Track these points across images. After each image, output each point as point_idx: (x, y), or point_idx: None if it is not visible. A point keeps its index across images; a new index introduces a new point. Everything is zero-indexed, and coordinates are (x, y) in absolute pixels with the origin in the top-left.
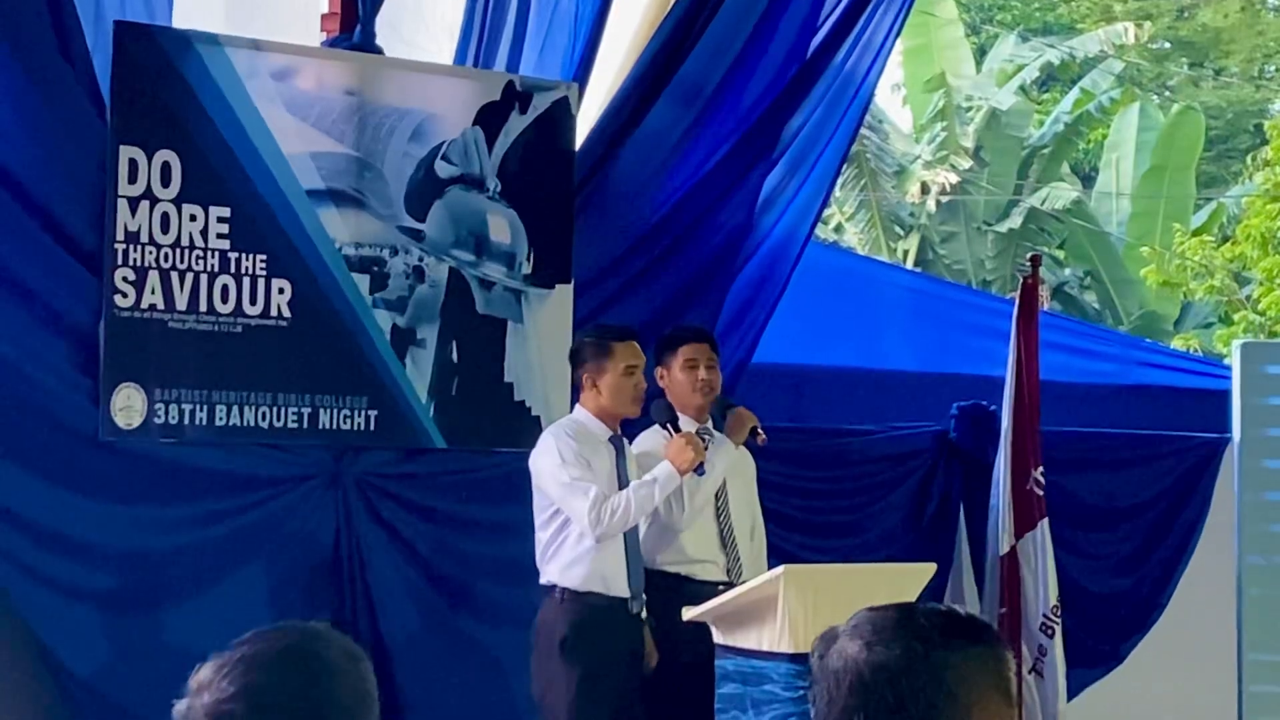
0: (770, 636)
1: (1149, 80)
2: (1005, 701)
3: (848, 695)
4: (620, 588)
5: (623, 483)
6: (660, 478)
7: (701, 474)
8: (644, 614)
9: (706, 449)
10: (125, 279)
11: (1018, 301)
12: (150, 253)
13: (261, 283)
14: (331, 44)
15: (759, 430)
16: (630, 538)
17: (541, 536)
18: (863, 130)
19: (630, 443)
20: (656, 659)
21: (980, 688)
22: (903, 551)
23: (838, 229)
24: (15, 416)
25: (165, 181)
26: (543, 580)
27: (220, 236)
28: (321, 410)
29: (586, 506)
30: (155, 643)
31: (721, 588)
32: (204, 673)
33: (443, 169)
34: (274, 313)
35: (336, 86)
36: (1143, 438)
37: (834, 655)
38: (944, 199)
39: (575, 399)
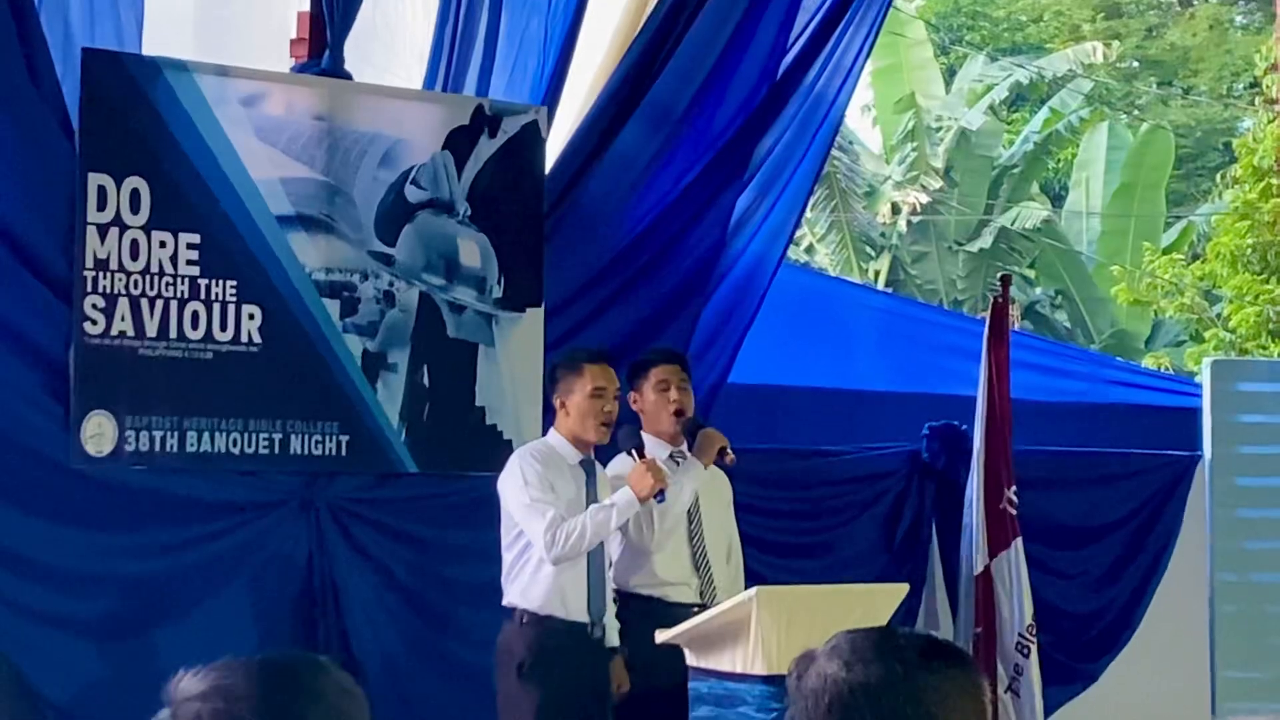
0: (743, 658)
1: (1118, 99)
2: None
3: (826, 715)
4: (579, 612)
5: (590, 507)
6: (619, 503)
7: (662, 500)
8: (608, 640)
9: (680, 467)
10: (95, 306)
11: (989, 321)
12: (120, 279)
13: (232, 309)
14: (300, 69)
15: (727, 450)
16: (594, 562)
17: (506, 558)
18: (833, 151)
19: (605, 466)
20: (627, 688)
21: (959, 710)
22: (875, 572)
23: (809, 250)
24: None
25: (135, 208)
26: (505, 601)
27: (190, 263)
28: (293, 436)
29: (543, 528)
30: (130, 670)
31: (695, 610)
32: (187, 682)
33: (412, 193)
34: (244, 339)
35: (305, 112)
36: (1114, 456)
37: (812, 675)
38: (915, 219)
39: (548, 422)
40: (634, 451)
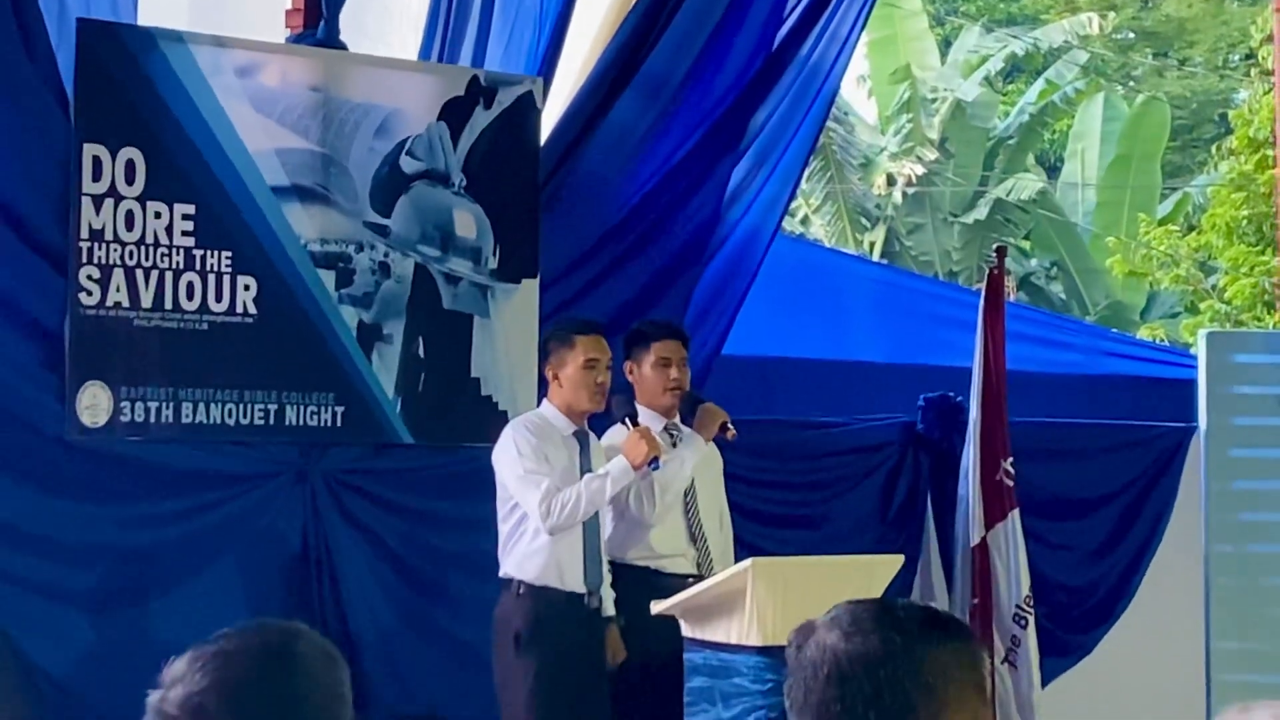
0: (739, 629)
1: (1114, 71)
2: (981, 698)
3: (825, 686)
4: (576, 582)
5: (584, 477)
6: (613, 472)
7: (656, 468)
8: (605, 610)
9: (676, 444)
10: (90, 277)
11: (984, 293)
12: (115, 250)
13: (227, 280)
14: (296, 40)
15: (729, 426)
16: (590, 532)
17: (502, 529)
18: (829, 122)
19: (600, 436)
20: (623, 657)
21: (957, 682)
22: (871, 543)
23: (804, 221)
24: None
25: (129, 179)
26: (501, 573)
27: (185, 234)
28: (288, 407)
29: (537, 499)
30: (125, 640)
31: (691, 581)
32: (178, 665)
33: (408, 164)
34: (239, 310)
35: (301, 83)
36: (1109, 428)
37: (811, 646)
38: (910, 191)
39: (543, 393)
40: (627, 420)
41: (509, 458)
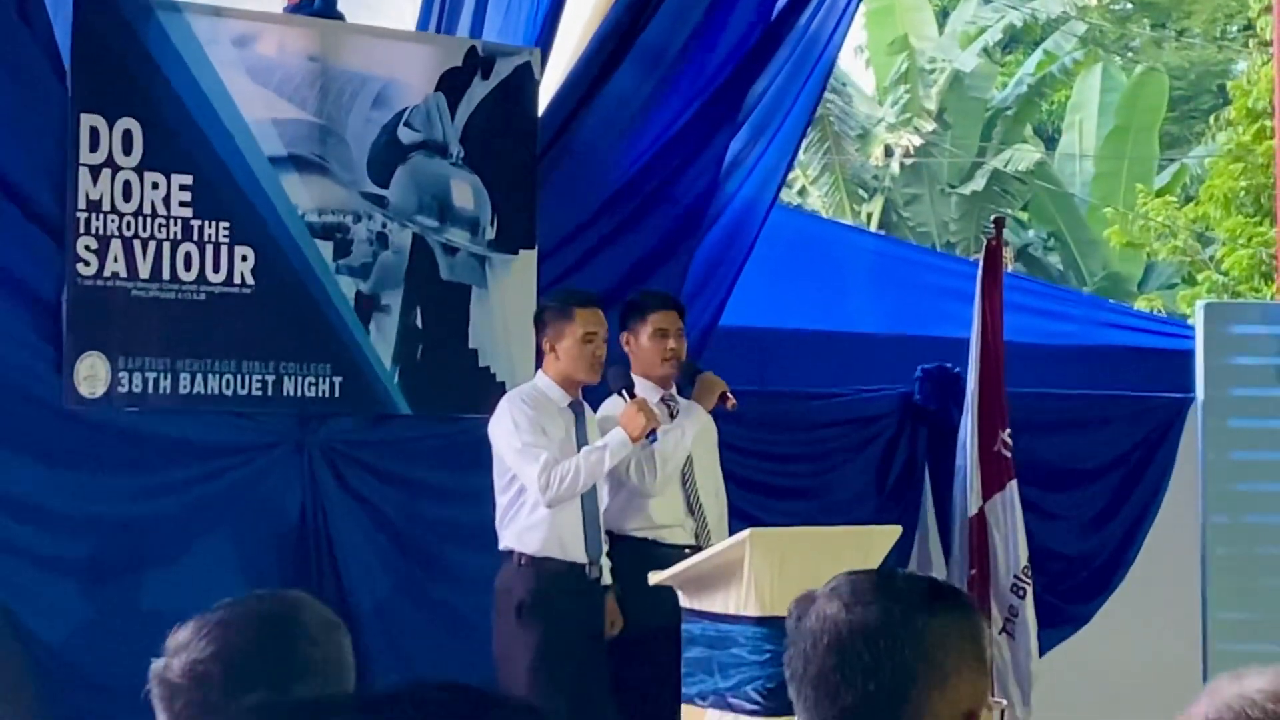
0: (736, 600)
1: (1112, 41)
2: (980, 668)
3: (824, 655)
4: (577, 553)
5: (581, 449)
6: (611, 444)
7: (653, 440)
8: (604, 579)
9: (674, 415)
10: (88, 247)
11: (982, 263)
12: (112, 221)
13: (224, 250)
14: (293, 10)
15: (728, 395)
16: (588, 503)
17: (501, 501)
18: (826, 93)
19: (595, 408)
20: (621, 625)
21: (957, 653)
22: (868, 514)
23: (801, 192)
24: None
25: (127, 149)
26: (501, 545)
27: (183, 204)
28: (286, 377)
29: (536, 472)
30: (123, 610)
31: (689, 551)
32: (182, 633)
33: (405, 135)
34: (237, 280)
35: (298, 52)
36: (1107, 398)
37: (812, 616)
38: (907, 161)
39: (540, 364)
40: (624, 392)
41: (506, 431)
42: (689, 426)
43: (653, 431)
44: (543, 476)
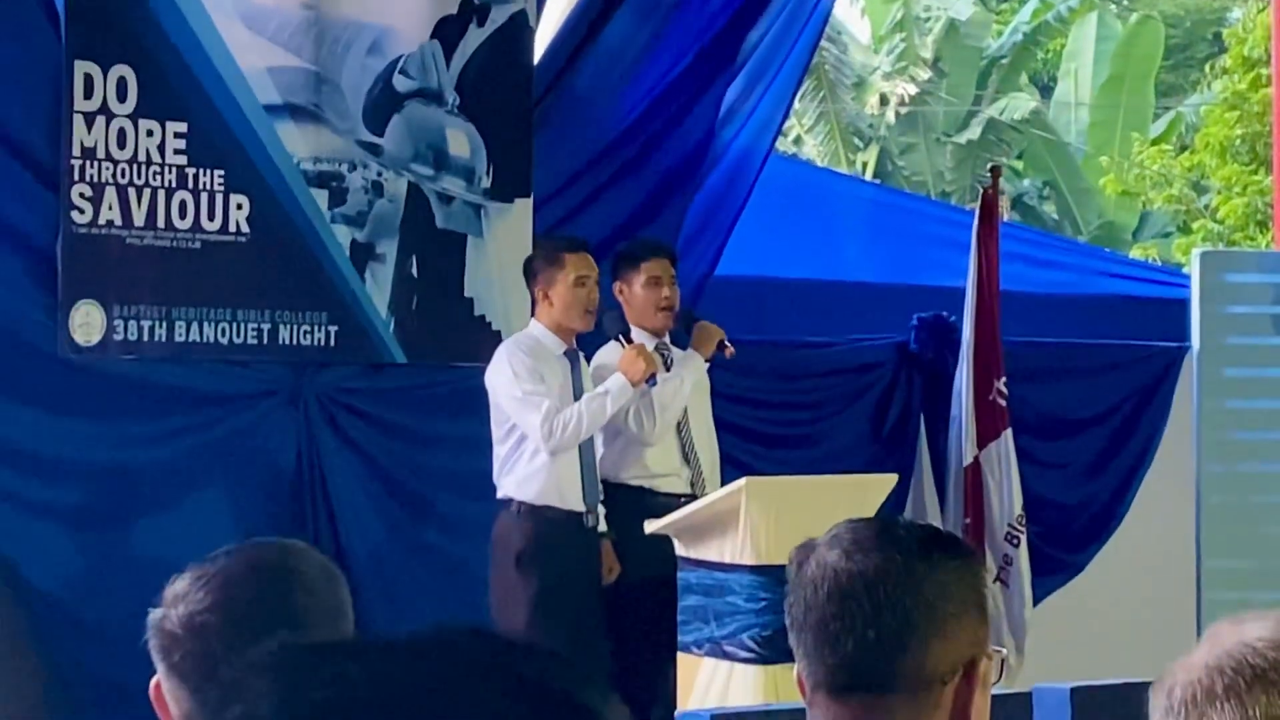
0: (732, 548)
1: None
2: (981, 617)
3: (825, 603)
4: (576, 501)
5: (578, 396)
6: (612, 390)
7: (653, 385)
8: (601, 527)
9: (669, 364)
10: (82, 195)
11: (978, 212)
12: (107, 169)
13: (219, 198)
14: None
15: (726, 344)
16: (585, 452)
17: (499, 451)
18: (822, 42)
19: (589, 355)
20: (618, 571)
21: (958, 601)
22: (863, 463)
23: (797, 141)
24: None
25: (121, 97)
26: (500, 494)
27: (178, 152)
28: (281, 326)
29: (539, 420)
30: (119, 558)
31: (684, 500)
32: (180, 584)
33: (401, 83)
34: (232, 228)
35: (293, 0)
36: (1102, 347)
37: (812, 564)
38: (903, 110)
39: (534, 313)
40: (621, 337)
41: (505, 380)
42: (687, 375)
43: (653, 376)
44: (545, 425)
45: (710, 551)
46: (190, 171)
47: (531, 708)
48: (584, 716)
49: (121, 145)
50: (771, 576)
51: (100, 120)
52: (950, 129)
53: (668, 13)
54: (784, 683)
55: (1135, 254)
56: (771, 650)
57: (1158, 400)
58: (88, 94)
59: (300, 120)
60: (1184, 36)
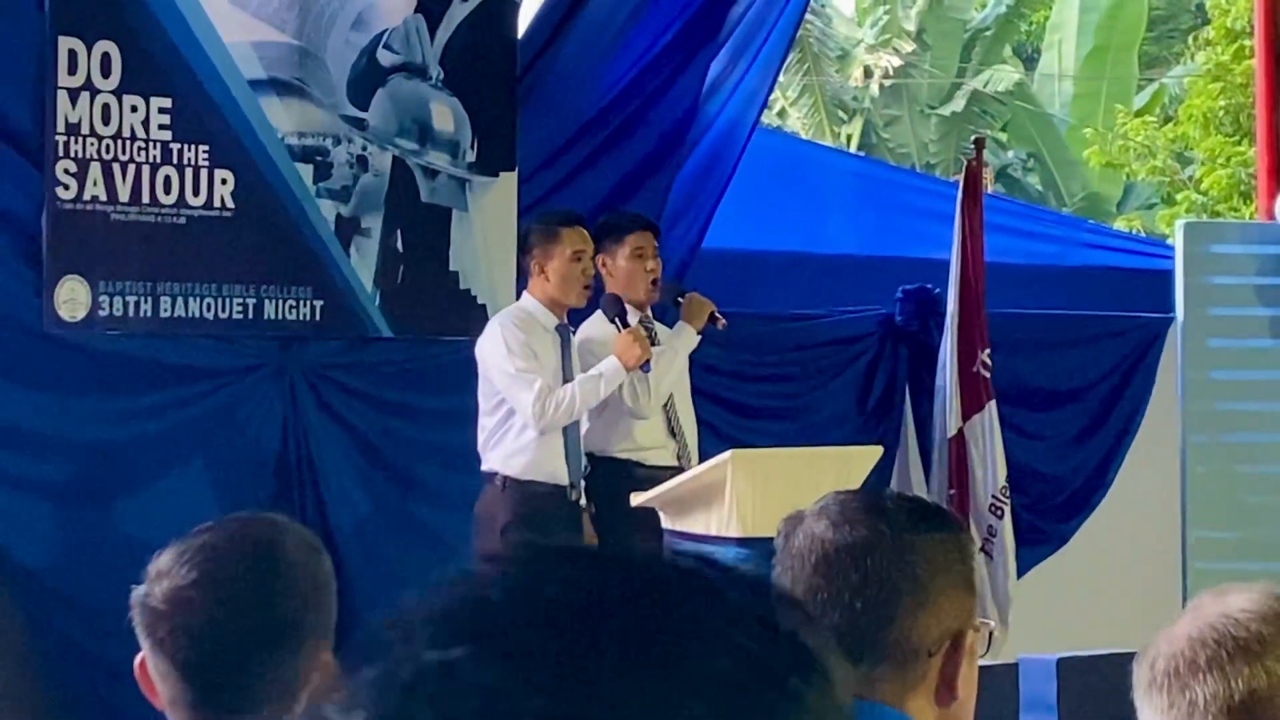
0: (719, 521)
1: None
2: (967, 589)
3: (811, 574)
4: (561, 476)
5: (568, 373)
6: (606, 373)
7: (647, 370)
8: (583, 501)
9: (654, 341)
10: (67, 171)
11: (962, 184)
12: (91, 144)
13: (204, 173)
14: None
15: (717, 315)
16: (570, 427)
17: (486, 423)
18: (806, 14)
19: (575, 331)
20: (596, 544)
21: (944, 573)
22: (849, 435)
23: (781, 114)
24: None
25: (105, 72)
26: (484, 467)
27: (162, 127)
28: (266, 301)
29: (531, 398)
30: (104, 534)
31: (672, 472)
32: (164, 559)
33: (385, 57)
34: (217, 204)
35: None
36: (1086, 318)
37: (800, 535)
38: (887, 83)
39: (521, 287)
40: (617, 320)
41: (498, 354)
42: (681, 347)
43: (647, 361)
44: (537, 404)
45: (696, 524)
46: (175, 147)
47: (755, 639)
48: (804, 656)
49: (106, 121)
50: (758, 549)
51: (84, 96)
52: (934, 101)
53: None
54: None
55: (1119, 225)
56: None
57: (1142, 371)
58: (72, 69)
59: (285, 95)
60: (1167, 8)
